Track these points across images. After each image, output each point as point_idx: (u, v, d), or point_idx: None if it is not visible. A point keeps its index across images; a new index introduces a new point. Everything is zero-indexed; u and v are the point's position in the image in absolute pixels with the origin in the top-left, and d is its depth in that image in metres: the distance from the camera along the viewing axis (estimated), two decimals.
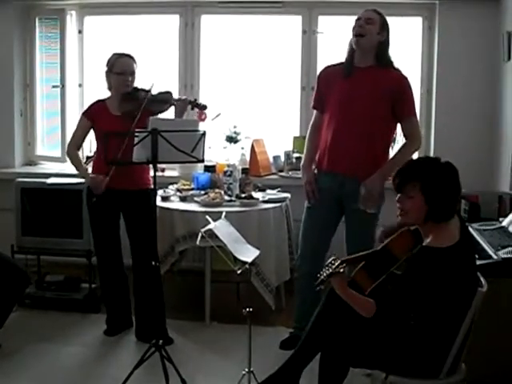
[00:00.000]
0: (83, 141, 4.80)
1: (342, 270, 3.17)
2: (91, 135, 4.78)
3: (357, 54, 4.35)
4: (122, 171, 4.49)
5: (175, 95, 4.77)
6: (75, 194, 5.27)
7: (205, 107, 4.74)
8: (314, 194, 4.50)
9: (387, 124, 4.42)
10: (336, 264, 3.20)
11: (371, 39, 4.30)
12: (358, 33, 4.30)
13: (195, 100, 4.75)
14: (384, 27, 4.33)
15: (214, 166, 5.73)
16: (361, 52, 4.34)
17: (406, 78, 4.41)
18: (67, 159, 6.27)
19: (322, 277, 3.20)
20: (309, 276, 3.28)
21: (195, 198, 5.24)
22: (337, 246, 4.47)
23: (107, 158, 4.25)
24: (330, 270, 3.18)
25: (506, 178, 5.26)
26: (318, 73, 4.70)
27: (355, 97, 4.32)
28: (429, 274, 2.97)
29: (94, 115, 4.64)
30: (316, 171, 4.56)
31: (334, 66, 4.55)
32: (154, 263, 4.19)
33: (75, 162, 4.78)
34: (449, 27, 5.74)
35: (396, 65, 4.42)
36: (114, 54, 4.67)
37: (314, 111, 4.64)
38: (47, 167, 6.46)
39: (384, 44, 4.35)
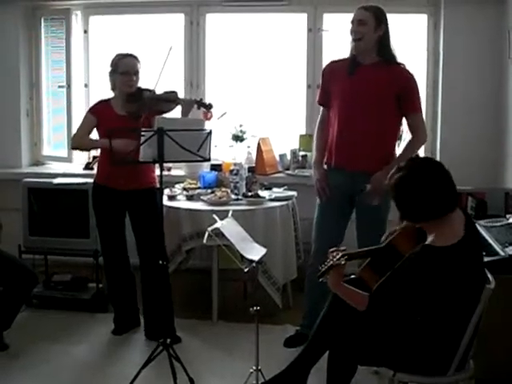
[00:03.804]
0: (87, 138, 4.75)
1: (343, 263, 3.18)
2: (96, 136, 4.78)
3: (359, 54, 4.35)
4: (127, 171, 4.50)
5: (181, 95, 4.76)
6: (82, 193, 5.27)
7: (210, 106, 4.71)
8: (325, 192, 4.51)
9: (393, 120, 4.43)
10: (338, 257, 3.22)
11: (369, 39, 4.29)
12: (354, 37, 4.30)
13: (201, 99, 4.73)
14: (380, 21, 4.28)
15: (220, 165, 5.73)
16: (362, 52, 4.34)
17: (411, 74, 4.40)
18: (74, 159, 6.35)
19: (323, 269, 3.21)
20: None
21: (202, 197, 5.25)
22: (347, 243, 4.46)
23: (113, 157, 4.25)
24: (331, 263, 3.19)
25: None
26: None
27: (361, 94, 4.31)
28: (433, 273, 2.95)
29: (100, 114, 4.64)
30: (326, 167, 4.56)
31: (338, 61, 4.54)
32: (161, 262, 4.20)
33: (86, 144, 4.75)
34: (454, 24, 5.72)
35: (400, 60, 4.41)
36: (118, 55, 4.67)
37: (321, 107, 4.64)
38: (54, 167, 6.48)
39: (384, 37, 4.32)
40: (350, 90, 4.36)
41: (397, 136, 4.58)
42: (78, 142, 4.72)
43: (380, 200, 4.31)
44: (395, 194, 3.07)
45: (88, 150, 4.91)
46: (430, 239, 3.06)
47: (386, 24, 4.32)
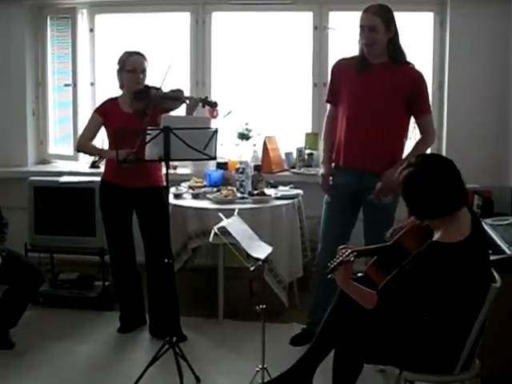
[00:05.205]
0: (93, 138, 4.74)
1: (352, 259, 3.18)
2: (103, 133, 4.80)
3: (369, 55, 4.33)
4: (134, 169, 4.50)
5: (186, 93, 4.78)
6: (88, 192, 5.29)
7: (216, 104, 4.72)
8: (327, 190, 4.51)
9: (402, 119, 4.41)
10: (347, 253, 3.21)
11: (381, 43, 4.27)
12: (367, 42, 4.26)
13: (206, 97, 4.75)
14: (389, 24, 4.25)
15: (226, 163, 5.73)
16: (373, 54, 4.32)
17: (421, 75, 4.38)
18: (80, 157, 6.36)
19: (332, 265, 3.21)
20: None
21: (208, 195, 5.24)
22: (355, 241, 4.45)
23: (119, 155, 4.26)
24: (340, 259, 3.19)
25: None
26: (329, 69, 4.68)
27: (369, 93, 4.29)
28: (439, 269, 2.94)
29: (106, 112, 4.65)
30: (334, 166, 4.55)
31: (347, 59, 4.51)
32: (167, 261, 4.20)
33: (90, 150, 4.82)
34: (460, 22, 5.71)
35: (409, 58, 4.38)
36: (125, 53, 4.68)
37: (328, 105, 4.62)
38: (60, 166, 6.49)
39: (394, 38, 4.30)
40: (359, 89, 4.34)
41: (405, 135, 4.56)
42: (84, 146, 4.77)
43: (391, 198, 4.30)
44: (404, 190, 3.07)
45: (93, 155, 4.97)
46: (436, 236, 3.05)
47: (395, 24, 4.29)
